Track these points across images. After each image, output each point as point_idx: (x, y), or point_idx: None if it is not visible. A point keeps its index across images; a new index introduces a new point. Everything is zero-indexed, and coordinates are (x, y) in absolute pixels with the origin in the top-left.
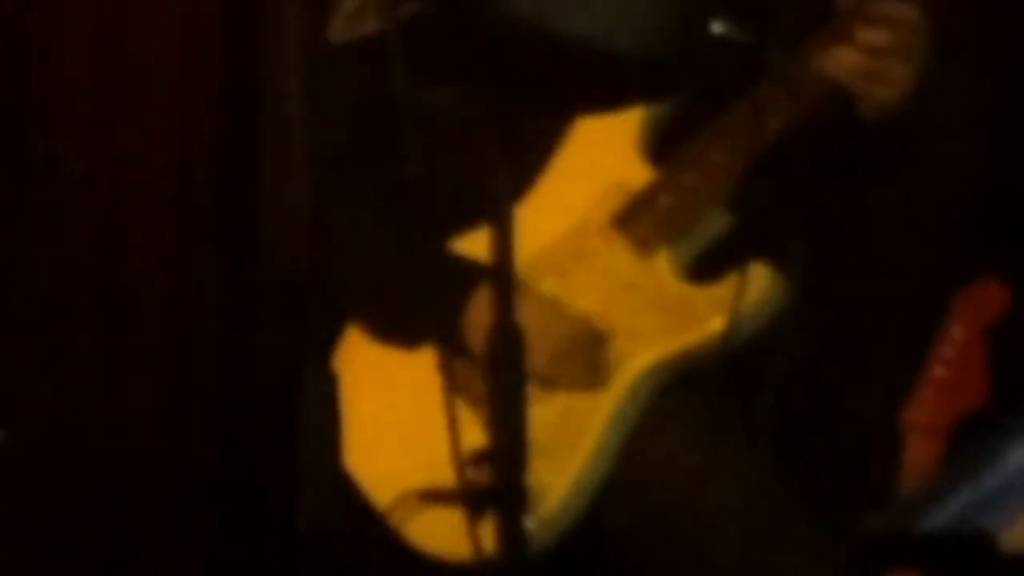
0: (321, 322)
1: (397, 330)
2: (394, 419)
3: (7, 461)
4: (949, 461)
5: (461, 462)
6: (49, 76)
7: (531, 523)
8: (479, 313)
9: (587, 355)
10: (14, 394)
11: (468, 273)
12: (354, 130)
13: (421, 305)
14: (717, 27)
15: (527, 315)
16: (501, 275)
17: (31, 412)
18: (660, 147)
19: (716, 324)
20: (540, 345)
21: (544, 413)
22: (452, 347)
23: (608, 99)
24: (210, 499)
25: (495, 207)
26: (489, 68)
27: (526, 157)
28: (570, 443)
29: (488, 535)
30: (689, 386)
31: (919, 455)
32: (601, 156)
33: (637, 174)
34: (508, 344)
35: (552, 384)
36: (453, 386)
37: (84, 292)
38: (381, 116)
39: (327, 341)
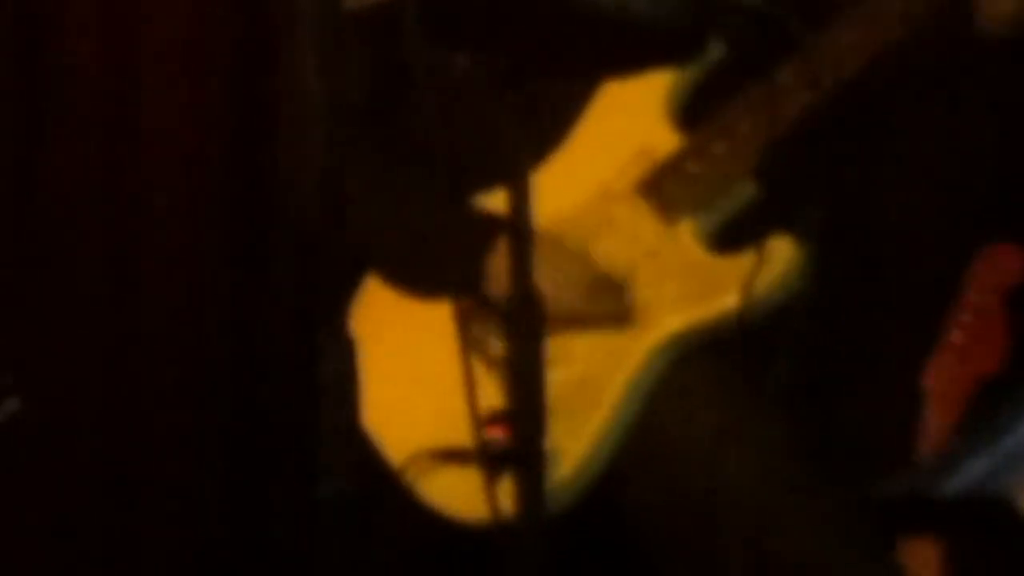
0: (337, 282)
1: (419, 279)
2: (411, 378)
3: (22, 429)
4: (967, 426)
5: (478, 421)
6: (58, 44)
7: (547, 485)
8: (500, 262)
9: (613, 293)
10: (29, 361)
11: (489, 225)
12: (371, 92)
13: (443, 255)
14: None
15: (552, 260)
16: (520, 231)
17: (47, 379)
18: (689, 113)
19: (737, 297)
20: (566, 285)
21: (562, 376)
22: (474, 296)
23: (628, 63)
24: (228, 465)
25: (512, 169)
26: (507, 34)
27: (550, 120)
28: (587, 408)
29: (505, 496)
30: (707, 354)
31: (938, 420)
32: (628, 121)
33: (664, 140)
34: (527, 304)
35: (580, 324)
36: (469, 345)
37: (100, 254)
38: (397, 79)
39: (343, 301)
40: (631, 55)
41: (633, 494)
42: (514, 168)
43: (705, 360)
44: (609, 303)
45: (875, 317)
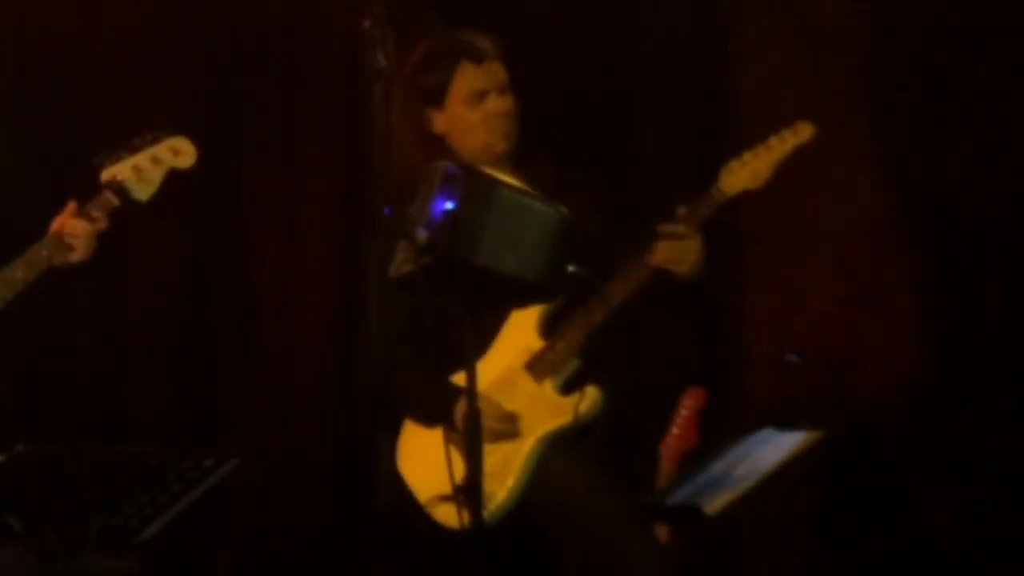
0: (391, 414)
1: (425, 419)
2: (424, 457)
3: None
4: (679, 473)
5: (454, 482)
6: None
7: (485, 513)
8: (461, 410)
9: (511, 422)
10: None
11: (457, 391)
12: (406, 318)
13: (436, 406)
14: (572, 268)
15: (485, 408)
16: (470, 393)
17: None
18: (548, 328)
19: (572, 416)
20: (490, 418)
21: (494, 459)
22: (450, 426)
23: (524, 302)
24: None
25: (467, 361)
26: (467, 289)
27: (487, 328)
28: (505, 474)
29: (465, 516)
30: (561, 441)
31: (665, 471)
32: (520, 332)
33: (536, 342)
34: (473, 426)
35: (495, 437)
36: (450, 444)
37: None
38: (418, 313)
39: (394, 422)
40: (523, 299)
41: (531, 515)
42: (469, 361)
43: (560, 443)
44: (509, 427)
45: (639, 421)
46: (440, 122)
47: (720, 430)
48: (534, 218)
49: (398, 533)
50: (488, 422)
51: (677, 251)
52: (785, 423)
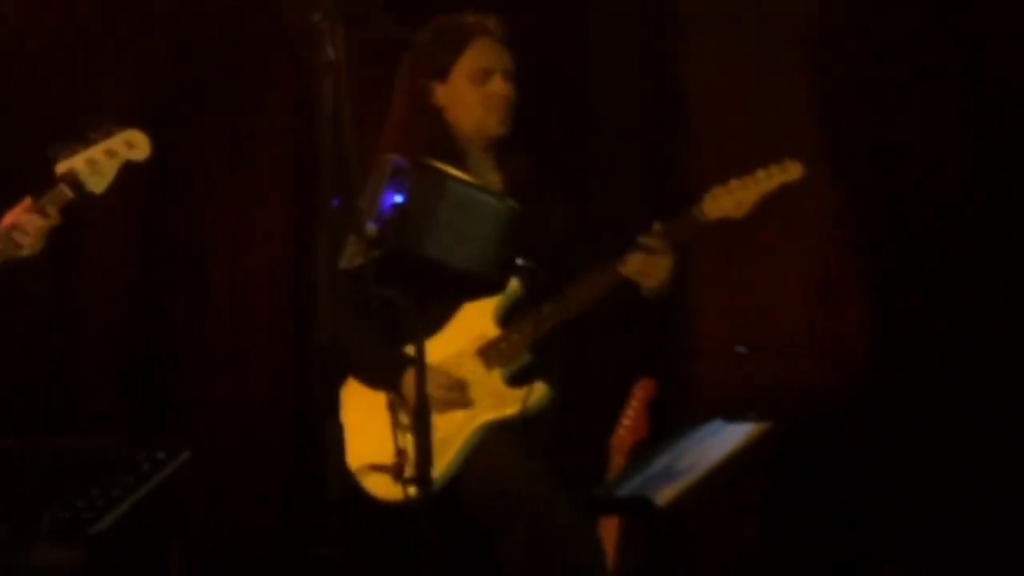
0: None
1: (374, 382)
2: (366, 425)
3: None
4: (629, 465)
5: (398, 451)
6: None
7: (414, 489)
8: (409, 377)
9: (458, 392)
10: None
11: (406, 359)
12: (357, 299)
13: (385, 372)
14: (520, 261)
15: (433, 377)
16: (419, 363)
17: None
18: (505, 318)
19: (519, 407)
20: (440, 386)
21: (436, 434)
22: (394, 391)
23: (475, 294)
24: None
25: (416, 336)
26: (416, 282)
27: (437, 316)
28: (441, 453)
29: (400, 489)
30: (504, 430)
31: (616, 462)
32: (475, 320)
33: (492, 331)
34: (422, 397)
35: (445, 406)
36: (393, 414)
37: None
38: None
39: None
40: (472, 291)
41: (466, 488)
42: (416, 336)
43: (502, 435)
44: (460, 395)
45: (587, 415)
46: (441, 94)
47: (670, 421)
48: (483, 211)
49: (349, 524)
50: (438, 391)
51: (649, 265)
52: (734, 414)
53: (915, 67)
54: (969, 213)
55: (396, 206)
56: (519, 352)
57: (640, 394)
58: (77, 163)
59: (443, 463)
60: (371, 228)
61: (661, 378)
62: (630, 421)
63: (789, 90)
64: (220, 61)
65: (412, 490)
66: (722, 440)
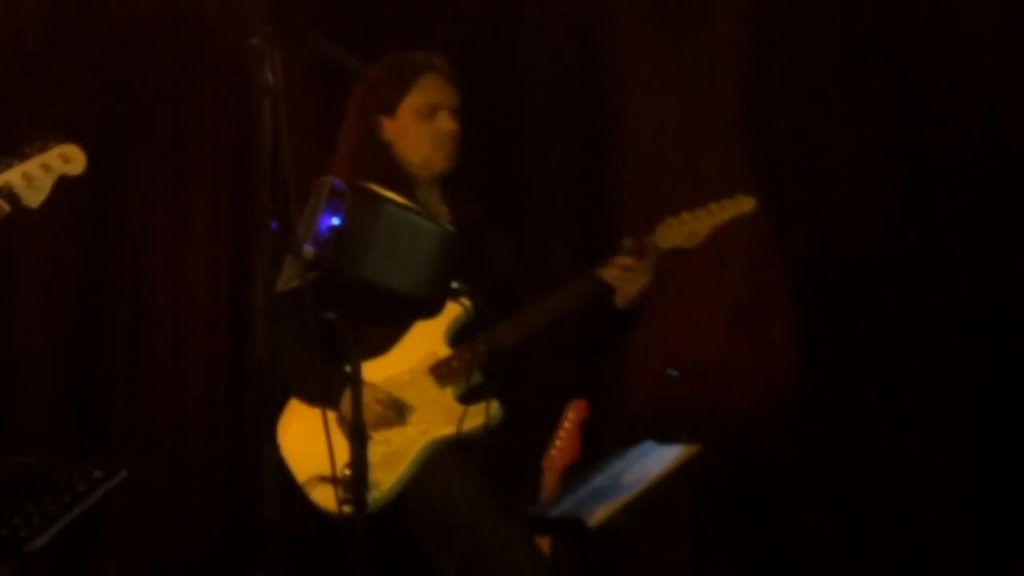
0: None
1: (312, 400)
2: (306, 435)
3: None
4: (562, 487)
5: (334, 466)
6: None
7: (370, 499)
8: (347, 396)
9: (403, 411)
10: None
11: (343, 377)
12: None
13: (324, 388)
14: (456, 284)
15: (374, 393)
16: (355, 381)
17: None
18: (456, 338)
19: (471, 424)
20: (379, 403)
21: (384, 449)
22: (334, 409)
23: (411, 316)
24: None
25: (351, 359)
26: (353, 304)
27: (388, 334)
28: (392, 466)
29: (341, 507)
30: (451, 448)
31: (549, 482)
32: (427, 339)
33: (443, 350)
34: (358, 420)
35: (383, 423)
36: (332, 427)
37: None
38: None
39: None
40: (409, 313)
41: (410, 504)
42: (353, 358)
43: (450, 450)
44: (395, 414)
45: (525, 436)
46: (389, 129)
47: (602, 443)
48: (419, 234)
49: (285, 544)
50: (374, 406)
51: (628, 273)
52: (665, 436)
53: (844, 99)
54: (896, 237)
55: (333, 228)
56: (470, 371)
57: (573, 415)
58: (13, 177)
59: (393, 476)
60: (308, 250)
61: (593, 399)
62: (563, 442)
63: (721, 116)
64: (158, 81)
65: (347, 508)
66: (653, 462)
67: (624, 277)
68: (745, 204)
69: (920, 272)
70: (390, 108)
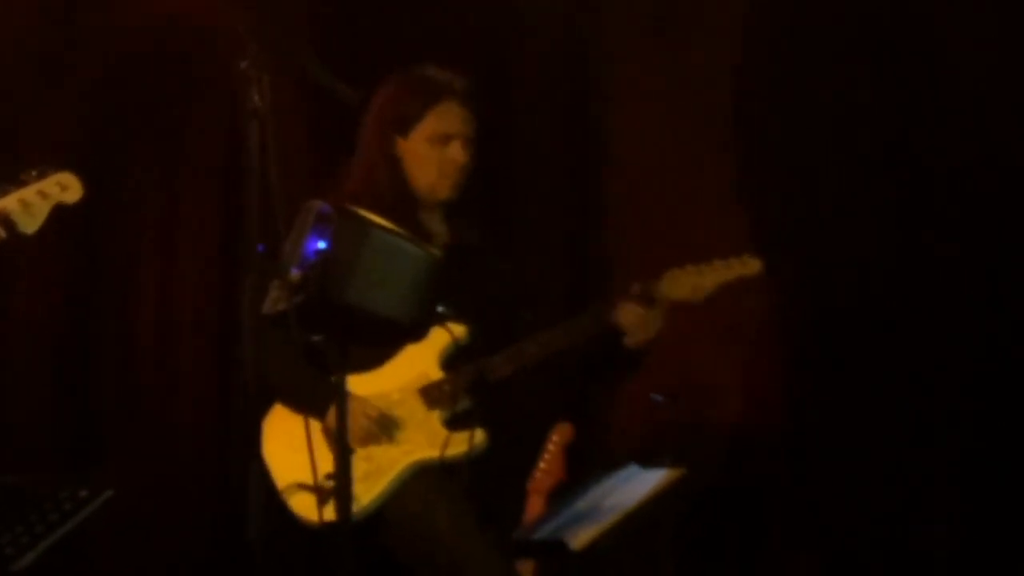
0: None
1: (300, 408)
2: (289, 442)
3: None
4: (547, 509)
5: (316, 476)
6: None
7: (350, 511)
8: (333, 408)
9: (390, 426)
10: None
11: (331, 388)
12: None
13: (311, 399)
14: (441, 309)
15: (362, 406)
16: (341, 394)
17: None
18: (449, 362)
19: (455, 450)
20: (366, 417)
21: (368, 465)
22: (320, 419)
23: (396, 340)
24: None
25: (338, 373)
26: (339, 327)
27: (379, 351)
28: (374, 481)
29: (327, 511)
30: (435, 470)
31: (533, 504)
32: (419, 359)
33: (435, 373)
34: (342, 425)
35: (369, 438)
36: (311, 437)
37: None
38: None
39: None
40: (394, 338)
41: (390, 523)
42: (339, 381)
43: (433, 473)
44: (382, 430)
45: (510, 460)
46: (400, 148)
47: (586, 466)
48: (405, 259)
49: (271, 563)
50: (363, 420)
51: (644, 318)
52: (648, 460)
53: (834, 117)
54: (882, 260)
55: (319, 252)
56: (459, 396)
57: (557, 438)
58: (10, 203)
59: (373, 493)
60: (294, 273)
61: (578, 422)
62: (547, 465)
63: (710, 143)
64: (149, 107)
65: (328, 515)
66: (637, 485)
67: (639, 324)
68: (752, 265)
69: (908, 291)
70: (404, 129)
